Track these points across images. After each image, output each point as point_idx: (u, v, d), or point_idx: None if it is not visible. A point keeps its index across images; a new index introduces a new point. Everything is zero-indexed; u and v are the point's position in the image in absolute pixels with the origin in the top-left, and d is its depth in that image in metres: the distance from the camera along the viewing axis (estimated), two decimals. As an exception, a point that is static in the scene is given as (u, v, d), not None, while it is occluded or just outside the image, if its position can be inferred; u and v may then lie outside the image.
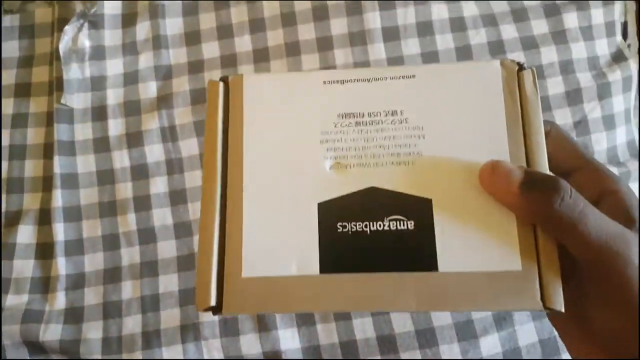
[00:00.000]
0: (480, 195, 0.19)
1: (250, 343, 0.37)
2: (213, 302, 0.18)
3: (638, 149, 0.43)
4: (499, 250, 0.18)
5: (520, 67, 0.20)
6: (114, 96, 0.42)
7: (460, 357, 0.36)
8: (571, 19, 0.42)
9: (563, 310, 0.18)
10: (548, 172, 0.19)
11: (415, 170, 0.19)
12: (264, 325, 0.37)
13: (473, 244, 0.18)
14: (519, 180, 0.18)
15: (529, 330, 0.36)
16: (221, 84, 0.20)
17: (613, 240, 0.17)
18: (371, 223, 0.19)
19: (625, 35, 0.45)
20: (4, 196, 0.40)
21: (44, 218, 0.39)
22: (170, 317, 0.37)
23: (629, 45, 0.45)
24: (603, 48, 0.43)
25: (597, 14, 0.43)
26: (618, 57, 0.43)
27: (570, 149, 0.21)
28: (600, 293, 0.19)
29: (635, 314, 0.18)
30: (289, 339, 0.36)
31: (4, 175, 0.40)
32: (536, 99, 0.20)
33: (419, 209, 0.19)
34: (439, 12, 0.42)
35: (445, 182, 0.19)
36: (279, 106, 0.20)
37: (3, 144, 0.41)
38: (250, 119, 0.20)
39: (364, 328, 0.36)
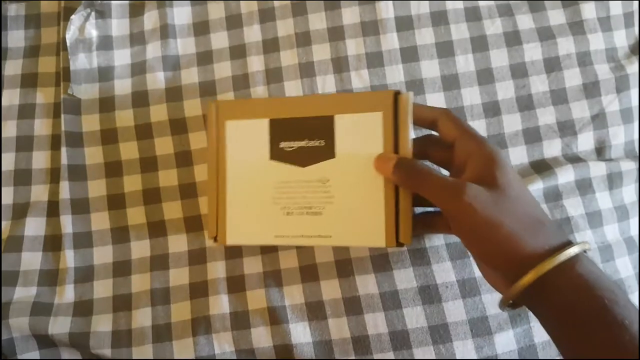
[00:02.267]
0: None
1: (261, 336, 0.37)
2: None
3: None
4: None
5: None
6: (121, 87, 0.42)
7: (474, 354, 0.37)
8: (589, 9, 0.43)
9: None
10: (410, 156, 0.33)
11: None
12: (274, 318, 0.38)
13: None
14: (393, 164, 0.32)
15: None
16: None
17: (443, 192, 0.30)
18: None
19: (643, 26, 0.45)
20: (11, 188, 0.41)
21: (52, 210, 0.40)
22: (181, 310, 0.38)
23: (648, 37, 0.45)
24: (621, 39, 0.43)
25: (616, 5, 0.44)
26: (636, 49, 0.44)
27: (451, 126, 0.32)
28: (452, 226, 0.31)
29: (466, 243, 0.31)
30: (300, 333, 0.37)
31: (11, 167, 0.41)
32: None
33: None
34: (454, 2, 0.43)
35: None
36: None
37: (10, 135, 0.42)
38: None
39: (375, 323, 0.37)
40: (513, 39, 0.42)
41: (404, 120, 0.33)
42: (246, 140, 0.35)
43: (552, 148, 0.41)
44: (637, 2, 0.44)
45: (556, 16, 0.43)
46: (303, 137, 0.34)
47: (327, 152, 0.34)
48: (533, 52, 0.42)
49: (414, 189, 0.32)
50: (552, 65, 0.42)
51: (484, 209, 0.28)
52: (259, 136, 0.35)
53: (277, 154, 0.35)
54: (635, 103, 0.42)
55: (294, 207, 0.34)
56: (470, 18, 0.42)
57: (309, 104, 0.35)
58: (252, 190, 0.35)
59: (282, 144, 0.35)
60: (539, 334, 0.37)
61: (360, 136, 0.34)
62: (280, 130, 0.35)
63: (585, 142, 0.41)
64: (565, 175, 0.40)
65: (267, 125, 0.35)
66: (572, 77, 0.42)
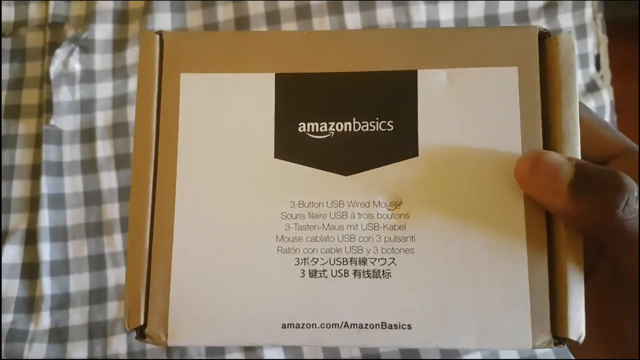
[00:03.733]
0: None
1: (235, 362, 0.39)
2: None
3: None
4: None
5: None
6: (102, 118, 0.45)
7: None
8: (546, 51, 0.48)
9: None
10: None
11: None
12: (248, 345, 0.39)
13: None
14: (569, 177, 0.15)
15: (511, 350, 0.39)
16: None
17: None
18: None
19: (598, 67, 0.50)
20: None
21: (30, 238, 0.42)
22: (155, 337, 0.40)
23: (602, 77, 0.50)
24: (577, 78, 0.48)
25: (571, 47, 0.48)
26: (591, 87, 0.48)
27: (604, 132, 0.18)
28: None
29: None
30: (274, 357, 0.39)
31: None
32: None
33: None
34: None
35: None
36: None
37: None
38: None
39: (349, 347, 0.39)
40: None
41: (568, 85, 0.17)
42: (224, 117, 0.18)
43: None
44: (591, 43, 0.49)
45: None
46: (348, 114, 0.18)
47: (401, 144, 0.17)
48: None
49: (614, 243, 0.16)
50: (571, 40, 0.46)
51: None
52: (254, 109, 0.18)
53: (290, 148, 0.18)
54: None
55: (325, 259, 0.17)
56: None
57: (360, 45, 0.18)
58: (231, 222, 0.17)
59: (303, 126, 0.18)
60: (505, 355, 0.39)
61: (472, 114, 0.17)
62: (300, 96, 0.18)
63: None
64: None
65: (272, 86, 0.18)
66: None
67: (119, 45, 0.47)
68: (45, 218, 0.42)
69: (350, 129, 0.17)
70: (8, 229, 0.42)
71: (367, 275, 0.17)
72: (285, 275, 0.17)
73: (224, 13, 0.47)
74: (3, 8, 0.48)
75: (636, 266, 0.16)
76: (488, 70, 0.17)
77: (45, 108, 0.44)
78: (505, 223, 0.17)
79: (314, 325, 0.17)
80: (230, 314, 0.17)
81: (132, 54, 0.46)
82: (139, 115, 0.18)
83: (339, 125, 0.18)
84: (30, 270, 0.41)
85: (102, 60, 0.46)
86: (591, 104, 0.47)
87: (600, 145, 0.18)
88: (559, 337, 0.16)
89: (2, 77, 0.46)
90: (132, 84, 0.46)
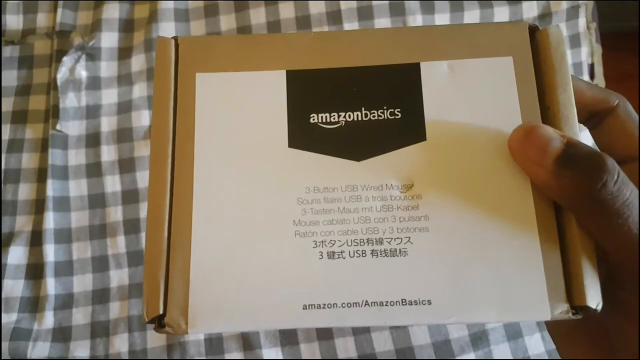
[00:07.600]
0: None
1: (235, 361, 0.41)
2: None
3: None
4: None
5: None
6: (107, 124, 0.48)
7: (439, 377, 0.41)
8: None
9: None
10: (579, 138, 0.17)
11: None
12: (248, 344, 0.41)
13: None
14: (557, 152, 0.16)
15: (504, 350, 0.42)
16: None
17: None
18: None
19: (592, 76, 0.53)
20: None
21: (35, 240, 0.44)
22: (156, 336, 0.42)
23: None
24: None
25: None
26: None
27: (633, 132, 0.19)
28: (623, 298, 0.17)
29: None
30: (272, 357, 0.41)
31: None
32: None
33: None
34: None
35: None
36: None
37: None
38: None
39: (346, 347, 0.41)
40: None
41: (562, 71, 0.18)
42: (238, 111, 0.19)
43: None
44: (585, 53, 0.52)
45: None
46: (357, 104, 0.19)
47: (409, 130, 0.19)
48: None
49: (590, 220, 0.17)
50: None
51: None
52: (266, 103, 0.19)
53: (303, 137, 0.19)
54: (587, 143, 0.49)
55: (342, 241, 0.18)
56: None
57: (365, 43, 0.19)
58: (249, 210, 0.18)
59: (315, 117, 0.19)
60: (499, 357, 0.41)
61: (474, 100, 0.19)
62: (310, 90, 0.19)
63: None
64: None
65: (284, 82, 0.19)
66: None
67: (124, 52, 0.50)
68: (50, 220, 0.44)
69: (359, 118, 0.19)
70: (14, 231, 0.45)
71: (384, 255, 0.18)
72: (303, 258, 0.18)
73: (227, 22, 0.51)
74: (11, 17, 0.51)
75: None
76: (485, 60, 0.19)
77: (52, 113, 0.47)
78: (514, 199, 0.18)
79: (335, 305, 0.17)
80: (250, 299, 0.17)
81: (137, 62, 0.49)
82: (157, 113, 0.19)
83: (349, 115, 0.19)
84: (35, 271, 0.43)
85: (107, 68, 0.49)
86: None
87: (624, 145, 0.20)
88: (576, 306, 0.17)
89: (10, 84, 0.49)
90: (136, 91, 0.48)
